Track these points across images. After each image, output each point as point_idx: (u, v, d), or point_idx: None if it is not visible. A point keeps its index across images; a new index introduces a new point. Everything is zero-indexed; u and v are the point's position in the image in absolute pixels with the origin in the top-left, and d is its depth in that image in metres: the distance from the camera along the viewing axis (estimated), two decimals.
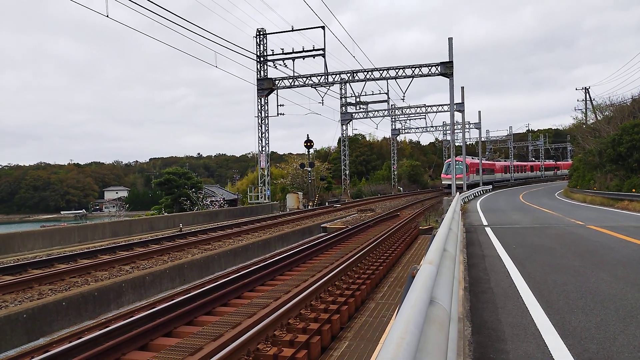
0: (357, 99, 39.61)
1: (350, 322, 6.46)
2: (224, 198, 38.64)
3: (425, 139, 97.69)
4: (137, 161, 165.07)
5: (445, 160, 52.64)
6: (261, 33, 31.26)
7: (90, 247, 14.01)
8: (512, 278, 7.40)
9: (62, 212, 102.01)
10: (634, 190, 26.50)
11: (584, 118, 50.19)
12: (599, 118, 44.00)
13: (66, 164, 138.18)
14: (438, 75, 27.12)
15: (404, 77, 28.57)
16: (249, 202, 32.90)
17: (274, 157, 66.04)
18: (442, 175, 47.72)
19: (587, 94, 50.16)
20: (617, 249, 10.03)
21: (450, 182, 42.04)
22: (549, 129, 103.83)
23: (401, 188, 54.07)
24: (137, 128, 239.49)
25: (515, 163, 69.31)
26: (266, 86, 30.88)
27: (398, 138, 58.38)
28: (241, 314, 6.52)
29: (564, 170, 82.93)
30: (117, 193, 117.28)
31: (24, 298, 7.99)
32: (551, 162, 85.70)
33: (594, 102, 48.98)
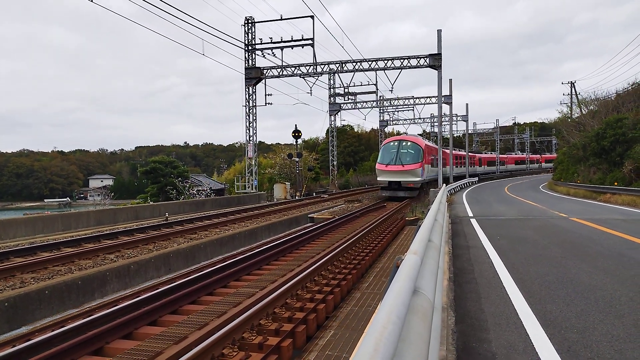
0: (346, 90, 39.54)
1: (335, 312, 6.49)
2: (210, 187, 38.43)
3: (413, 131, 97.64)
4: (122, 149, 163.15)
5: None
6: (250, 21, 30.91)
7: (74, 235, 13.83)
8: (496, 269, 7.50)
9: (45, 200, 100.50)
10: (616, 183, 26.99)
11: (570, 112, 50.84)
12: (584, 112, 44.59)
13: (50, 152, 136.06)
14: (426, 67, 27.14)
15: (393, 69, 28.54)
16: (236, 192, 32.77)
17: (262, 147, 65.73)
18: (377, 165, 28.11)
19: (573, 89, 50.77)
20: (599, 240, 10.22)
21: (392, 179, 26.59)
22: (535, 122, 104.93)
23: None
24: (126, 117, 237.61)
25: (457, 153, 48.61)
26: (254, 75, 30.62)
27: (386, 129, 58.48)
28: (227, 303, 6.51)
29: (509, 165, 77.01)
30: (102, 181, 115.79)
31: (5, 286, 7.87)
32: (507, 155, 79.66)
33: (580, 97, 49.64)
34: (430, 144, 33.61)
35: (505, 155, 77.96)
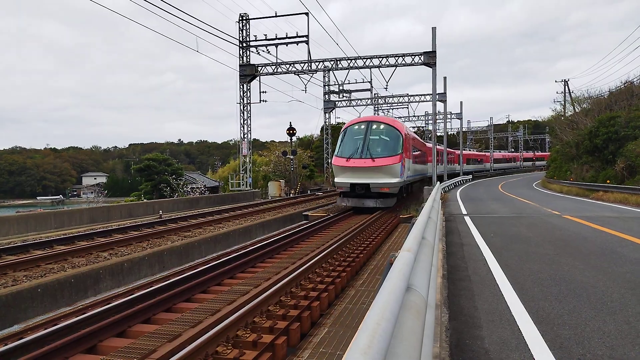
0: (341, 87, 39.52)
1: (330, 309, 6.50)
2: (205, 185, 38.31)
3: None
4: (116, 147, 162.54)
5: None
6: (244, 18, 30.81)
7: (67, 233, 13.75)
8: (490, 266, 7.54)
9: (38, 198, 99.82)
10: (608, 181, 27.20)
11: (563, 110, 51.11)
12: (577, 110, 44.86)
13: (42, 149, 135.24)
14: (421, 64, 27.17)
15: (387, 66, 28.56)
16: (231, 189, 32.69)
17: (257, 145, 65.58)
18: (333, 159, 19.00)
19: (566, 87, 51.00)
20: (591, 238, 10.29)
21: (356, 180, 17.83)
22: (528, 120, 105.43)
23: None
24: (120, 114, 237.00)
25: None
26: (249, 72, 30.53)
27: None
28: (221, 301, 6.50)
29: (487, 163, 69.95)
30: (95, 179, 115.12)
31: None
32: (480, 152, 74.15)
33: (573, 95, 49.91)
34: (413, 134, 25.15)
35: (483, 153, 75.36)
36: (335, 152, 18.93)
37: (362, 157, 17.74)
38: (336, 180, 18.59)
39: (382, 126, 19.02)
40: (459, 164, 54.51)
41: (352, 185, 17.95)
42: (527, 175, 68.28)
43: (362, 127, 18.81)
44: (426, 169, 27.71)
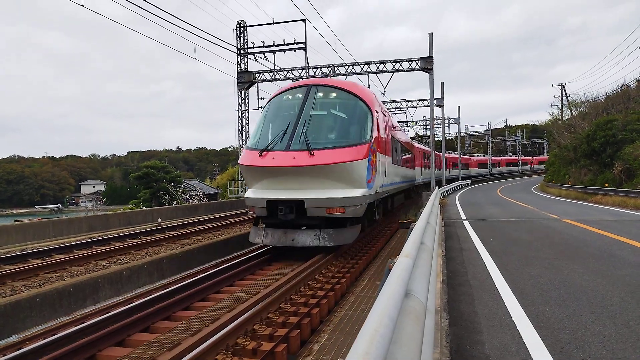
0: None
1: (330, 316, 6.48)
2: (203, 192, 38.31)
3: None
4: (114, 154, 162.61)
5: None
6: (242, 25, 30.95)
7: (66, 242, 13.71)
8: (489, 271, 7.52)
9: (36, 207, 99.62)
10: (606, 184, 27.25)
11: (560, 114, 51.27)
12: (574, 114, 45.01)
13: (41, 157, 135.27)
14: (418, 70, 27.25)
15: (385, 72, 28.63)
16: (229, 196, 32.67)
17: None
18: (242, 155, 10.28)
19: (564, 91, 51.18)
20: (590, 242, 10.29)
21: (279, 195, 9.49)
22: (526, 124, 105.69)
23: None
24: (119, 121, 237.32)
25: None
26: (246, 79, 30.62)
27: None
28: (220, 309, 6.49)
29: (473, 168, 64.35)
30: (94, 187, 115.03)
31: None
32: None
33: (570, 99, 50.08)
34: (394, 121, 17.90)
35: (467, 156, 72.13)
36: (248, 142, 10.93)
37: (290, 149, 9.52)
38: (246, 195, 10.47)
39: (333, 93, 10.82)
40: (446, 169, 51.69)
41: (271, 204, 9.72)
42: (524, 179, 68.30)
43: (298, 95, 10.69)
44: (414, 175, 20.99)
